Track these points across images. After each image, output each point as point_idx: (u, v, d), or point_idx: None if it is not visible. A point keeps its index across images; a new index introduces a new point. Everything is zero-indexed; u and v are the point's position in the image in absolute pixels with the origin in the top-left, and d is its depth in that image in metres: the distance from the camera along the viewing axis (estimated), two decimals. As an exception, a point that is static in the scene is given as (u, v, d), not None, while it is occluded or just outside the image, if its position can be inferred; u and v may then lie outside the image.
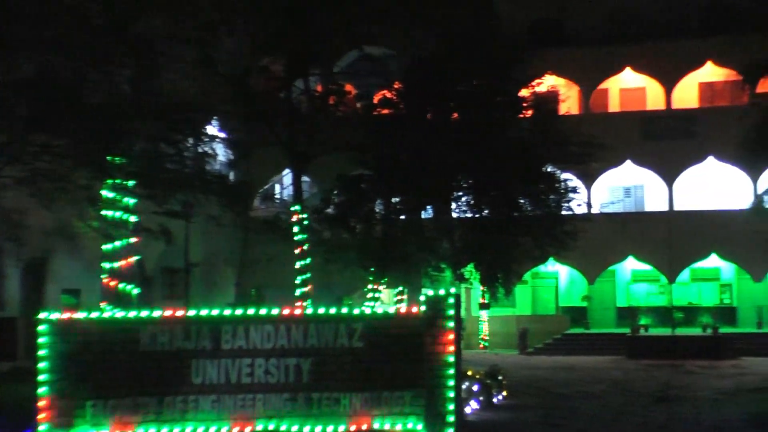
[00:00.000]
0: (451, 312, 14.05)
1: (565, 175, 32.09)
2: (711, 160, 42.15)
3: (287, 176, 38.75)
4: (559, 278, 45.92)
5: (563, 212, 30.97)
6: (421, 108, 29.09)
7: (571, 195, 31.21)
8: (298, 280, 27.17)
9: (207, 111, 23.50)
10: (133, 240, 20.73)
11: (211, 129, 27.13)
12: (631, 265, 44.66)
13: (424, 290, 16.40)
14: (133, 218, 20.67)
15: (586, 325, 43.55)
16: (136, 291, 20.56)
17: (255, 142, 29.19)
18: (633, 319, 42.39)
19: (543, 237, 30.23)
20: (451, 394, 13.91)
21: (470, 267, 31.04)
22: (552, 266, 43.64)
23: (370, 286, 31.36)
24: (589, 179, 40.50)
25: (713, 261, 42.93)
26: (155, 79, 21.23)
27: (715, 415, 19.37)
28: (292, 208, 27.92)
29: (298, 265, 27.28)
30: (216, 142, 26.09)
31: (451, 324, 14.02)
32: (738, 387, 25.16)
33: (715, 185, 43.50)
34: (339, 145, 27.59)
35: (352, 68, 32.45)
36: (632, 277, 45.53)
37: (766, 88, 30.33)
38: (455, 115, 29.32)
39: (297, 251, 27.31)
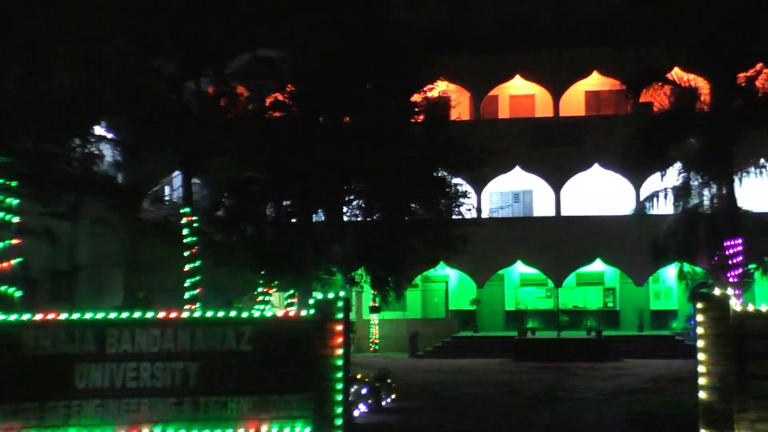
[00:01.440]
0: (341, 315, 14.11)
1: (455, 180, 32.45)
2: (597, 167, 43.18)
3: (178, 178, 38.27)
4: (449, 282, 46.42)
5: (454, 217, 31.33)
6: (314, 111, 29.10)
7: (461, 200, 31.60)
8: (187, 283, 26.91)
9: (95, 110, 23.08)
10: (15, 241, 20.24)
11: (100, 129, 26.65)
12: (519, 269, 45.42)
13: (314, 294, 16.43)
14: (16, 219, 20.19)
15: (475, 328, 44.13)
16: (18, 293, 20.08)
17: (145, 143, 28.77)
18: (521, 322, 43.16)
19: (433, 241, 30.53)
20: (340, 398, 13.97)
21: (361, 270, 31.19)
22: (442, 270, 44.14)
23: (260, 290, 31.22)
24: (479, 184, 41.09)
25: (598, 266, 44.00)
26: (42, 77, 20.76)
27: (596, 415, 19.85)
28: (182, 211, 27.64)
29: (187, 267, 27.02)
30: (104, 142, 25.62)
31: (340, 327, 14.08)
32: (619, 388, 25.83)
33: (600, 192, 44.54)
34: (230, 148, 27.41)
35: (245, 70, 32.22)
36: (520, 281, 46.32)
37: (648, 98, 31.13)
38: (347, 118, 29.42)
39: (186, 254, 27.05)
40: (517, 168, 43.85)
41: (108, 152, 27.55)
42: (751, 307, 14.29)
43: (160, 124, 26.37)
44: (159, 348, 13.96)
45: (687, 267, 33.98)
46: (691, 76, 31.57)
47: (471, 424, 19.19)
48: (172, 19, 25.78)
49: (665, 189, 32.02)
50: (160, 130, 26.50)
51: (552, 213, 44.26)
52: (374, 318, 43.39)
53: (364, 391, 19.79)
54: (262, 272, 29.78)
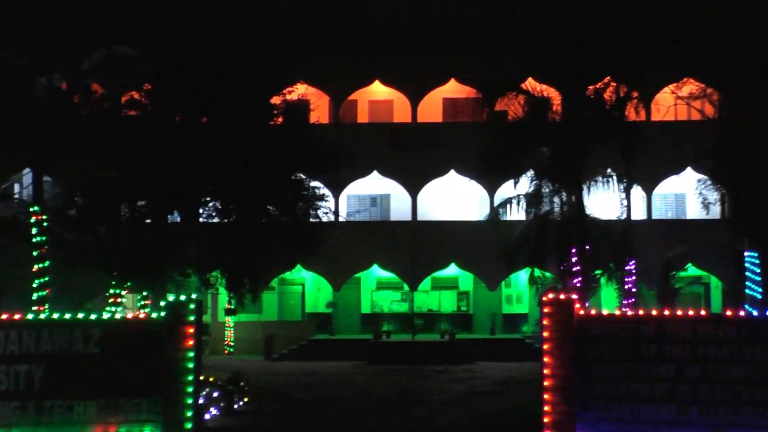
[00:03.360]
0: (192, 318, 14.02)
1: (314, 183, 32.51)
2: (453, 173, 43.86)
3: (28, 175, 37.14)
4: (305, 285, 46.40)
5: (311, 220, 31.40)
6: (171, 111, 28.72)
7: (319, 203, 31.69)
8: (35, 284, 26.17)
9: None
10: None
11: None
12: (376, 272, 45.75)
13: (167, 295, 16.23)
14: None
15: (331, 331, 44.23)
16: None
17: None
18: (376, 325, 43.51)
19: (290, 244, 30.53)
20: (190, 401, 13.88)
21: (217, 272, 30.95)
22: (299, 273, 44.12)
23: (113, 291, 30.59)
24: (337, 188, 41.34)
25: (453, 270, 44.70)
26: None
27: (446, 417, 20.20)
28: (32, 209, 26.87)
29: (36, 268, 26.29)
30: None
31: (192, 330, 13.99)
32: (469, 390, 26.31)
33: (456, 197, 45.31)
34: (83, 145, 26.81)
35: (102, 67, 31.55)
36: (376, 284, 46.66)
37: (504, 106, 31.88)
38: (204, 119, 29.15)
39: (35, 253, 26.31)
40: (375, 172, 44.20)
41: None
42: (593, 311, 14.82)
43: (8, 118, 25.59)
44: (2, 350, 13.58)
45: (537, 272, 34.83)
46: (545, 86, 32.48)
47: (323, 426, 19.28)
48: (22, 12, 25.06)
49: (518, 196, 32.87)
50: (9, 125, 25.70)
51: (408, 217, 44.76)
52: (229, 320, 43.02)
53: (215, 394, 19.63)
54: (115, 273, 29.18)
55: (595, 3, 31.30)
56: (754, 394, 13.34)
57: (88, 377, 13.73)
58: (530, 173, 32.19)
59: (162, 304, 14.18)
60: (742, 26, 27.96)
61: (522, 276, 42.22)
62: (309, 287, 46.32)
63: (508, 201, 33.50)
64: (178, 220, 30.11)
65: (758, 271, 28.83)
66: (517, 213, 33.29)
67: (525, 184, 32.63)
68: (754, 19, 27.71)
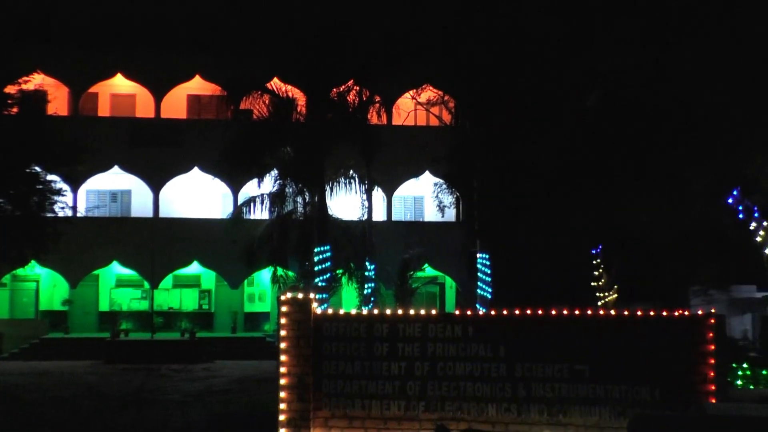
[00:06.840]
0: None
1: (50, 177, 31.32)
2: (196, 170, 43.45)
3: None
4: (40, 281, 44.57)
5: (47, 214, 30.26)
6: None
7: (55, 197, 30.59)
8: None
9: None
10: None
11: None
12: (115, 269, 44.59)
13: None
14: None
15: (66, 329, 42.70)
16: None
17: None
18: (114, 323, 42.43)
19: (22, 239, 29.30)
20: None
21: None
22: (32, 270, 42.33)
23: None
24: (75, 182, 39.89)
25: (195, 268, 44.26)
26: None
27: (181, 417, 20.01)
28: None
29: None
30: None
31: None
32: (206, 389, 26.17)
33: (199, 195, 44.90)
34: None
35: None
36: (116, 281, 45.48)
37: (249, 105, 31.86)
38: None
39: None
40: (116, 167, 43.08)
41: None
42: (330, 310, 15.10)
43: None
44: None
45: (280, 271, 35.15)
46: (290, 87, 32.76)
47: (49, 428, 18.64)
48: None
49: (262, 195, 33.10)
50: None
51: (150, 214, 43.95)
52: (-45, 319, 40.77)
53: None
54: None
55: (338, 7, 31.91)
56: (477, 390, 14.05)
57: None
58: (274, 173, 32.42)
59: None
60: (476, 35, 29.28)
61: (265, 275, 42.39)
62: (44, 284, 44.53)
63: (252, 200, 33.63)
64: None
65: (488, 272, 30.30)
66: (260, 212, 33.47)
67: (269, 183, 32.82)
68: (488, 29, 29.09)
